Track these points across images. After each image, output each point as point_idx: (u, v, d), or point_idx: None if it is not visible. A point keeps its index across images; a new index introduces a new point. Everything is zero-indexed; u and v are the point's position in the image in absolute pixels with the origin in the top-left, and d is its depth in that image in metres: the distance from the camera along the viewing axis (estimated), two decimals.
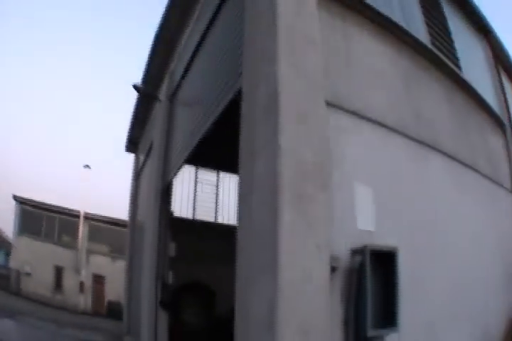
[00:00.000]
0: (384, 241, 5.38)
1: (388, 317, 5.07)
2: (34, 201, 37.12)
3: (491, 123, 10.25)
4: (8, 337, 13.38)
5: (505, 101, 11.58)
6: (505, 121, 11.03)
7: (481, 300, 7.70)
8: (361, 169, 5.58)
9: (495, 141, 10.23)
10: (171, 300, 11.35)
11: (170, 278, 11.38)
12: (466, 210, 7.68)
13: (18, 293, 31.79)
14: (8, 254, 38.04)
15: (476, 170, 8.37)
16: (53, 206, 37.70)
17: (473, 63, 10.36)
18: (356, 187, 5.39)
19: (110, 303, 31.88)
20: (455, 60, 8.85)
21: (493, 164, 9.48)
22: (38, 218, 36.81)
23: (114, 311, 29.16)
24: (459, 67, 8.90)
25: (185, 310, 15.90)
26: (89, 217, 37.18)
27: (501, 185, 9.59)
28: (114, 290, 30.18)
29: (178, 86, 11.87)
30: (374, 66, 6.45)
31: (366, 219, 5.38)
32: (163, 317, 11.05)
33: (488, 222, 8.60)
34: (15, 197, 37.14)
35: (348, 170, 5.38)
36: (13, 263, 35.52)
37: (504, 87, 11.89)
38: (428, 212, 6.56)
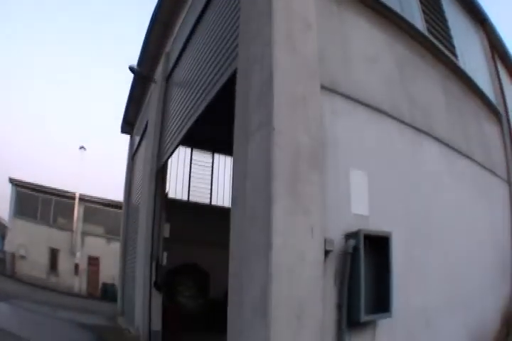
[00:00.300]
0: (378, 226, 5.38)
1: (381, 303, 5.10)
2: (30, 183, 36.91)
3: (487, 111, 10.26)
4: (3, 320, 13.38)
5: (501, 90, 11.56)
6: (501, 110, 11.03)
7: (476, 288, 7.74)
8: (356, 153, 5.56)
9: (490, 130, 10.24)
10: (164, 281, 11.38)
11: (164, 259, 11.41)
12: (460, 197, 7.68)
13: (13, 276, 31.71)
14: (3, 237, 37.85)
15: (470, 158, 8.38)
16: (49, 188, 37.50)
17: (470, 51, 10.32)
18: (351, 171, 5.37)
19: (105, 285, 31.89)
20: (451, 47, 8.81)
21: (488, 153, 9.50)
22: (33, 200, 36.63)
23: (108, 293, 29.25)
24: (455, 55, 8.87)
25: (178, 291, 16.01)
26: (84, 199, 37.07)
27: (495, 174, 9.61)
28: (109, 271, 30.17)
29: (174, 67, 11.83)
30: (370, 51, 6.40)
31: (360, 204, 5.37)
32: (157, 299, 11.11)
33: (483, 209, 8.63)
34: (11, 180, 37.00)
35: (342, 154, 5.35)
36: (8, 247, 35.40)
37: (500, 75, 11.86)
38: (423, 197, 6.56)
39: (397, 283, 5.19)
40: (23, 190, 36.82)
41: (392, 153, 6.20)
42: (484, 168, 8.96)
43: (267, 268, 4.22)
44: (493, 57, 11.76)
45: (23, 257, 33.92)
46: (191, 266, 16.66)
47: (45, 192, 37.36)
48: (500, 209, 9.61)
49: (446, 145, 7.54)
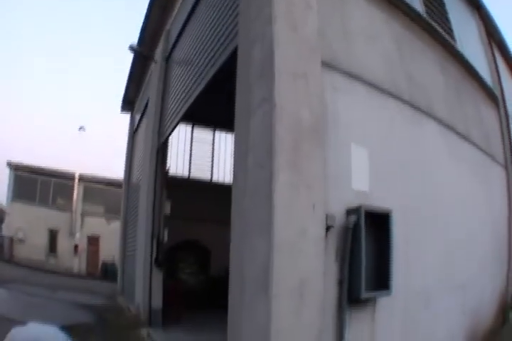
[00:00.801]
0: (378, 202, 5.40)
1: (382, 281, 5.14)
2: (28, 166, 36.35)
3: (485, 95, 10.31)
4: (2, 306, 13.42)
5: (498, 75, 11.67)
6: (498, 95, 11.09)
7: (475, 271, 7.82)
8: (357, 129, 5.57)
9: (487, 113, 10.30)
10: (165, 258, 11.42)
11: (165, 237, 11.44)
12: (459, 177, 7.74)
13: (11, 261, 31.55)
14: (1, 222, 37.60)
15: (469, 140, 8.44)
16: (48, 169, 37.10)
17: (467, 36, 10.32)
18: (352, 147, 5.37)
19: (105, 264, 31.93)
20: (449, 31, 8.82)
21: (486, 136, 9.57)
22: (32, 183, 36.27)
23: (108, 272, 29.35)
24: (454, 38, 8.87)
25: (180, 268, 16.10)
26: (84, 178, 36.86)
27: (493, 157, 9.69)
28: (109, 251, 30.23)
29: (174, 46, 11.76)
30: (369, 30, 6.38)
31: (361, 180, 5.39)
32: (158, 276, 11.16)
33: (480, 191, 8.70)
34: (8, 164, 36.66)
35: (343, 130, 5.35)
36: (6, 231, 35.23)
37: (497, 61, 11.93)
38: (422, 176, 6.60)
39: (396, 262, 5.24)
40: (21, 173, 36.52)
41: (392, 130, 6.22)
42: (482, 150, 9.03)
43: (268, 244, 4.24)
44: (489, 44, 11.84)
45: (21, 241, 33.81)
46: (192, 243, 16.78)
47: (44, 174, 37.08)
48: (498, 192, 9.71)
49: (445, 125, 7.57)
